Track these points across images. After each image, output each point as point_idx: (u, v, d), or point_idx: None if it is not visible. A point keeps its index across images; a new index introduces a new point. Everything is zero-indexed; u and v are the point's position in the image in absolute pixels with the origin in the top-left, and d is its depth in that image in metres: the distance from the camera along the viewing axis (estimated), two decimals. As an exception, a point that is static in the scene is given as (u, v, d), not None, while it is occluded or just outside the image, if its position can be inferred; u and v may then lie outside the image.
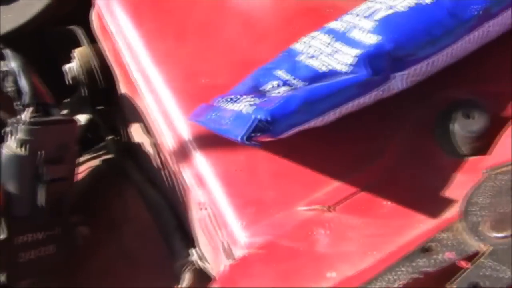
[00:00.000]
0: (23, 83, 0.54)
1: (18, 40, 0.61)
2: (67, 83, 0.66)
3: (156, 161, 0.61)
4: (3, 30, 0.68)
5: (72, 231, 0.57)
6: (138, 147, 0.66)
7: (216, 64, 0.52)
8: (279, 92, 0.44)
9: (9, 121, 0.52)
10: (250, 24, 0.54)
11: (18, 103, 0.55)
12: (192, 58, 0.52)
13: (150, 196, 0.63)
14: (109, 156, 0.71)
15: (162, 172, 0.59)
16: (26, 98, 0.53)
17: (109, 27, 0.56)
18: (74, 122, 0.53)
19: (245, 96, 0.45)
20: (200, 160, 0.48)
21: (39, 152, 0.51)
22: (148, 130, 0.60)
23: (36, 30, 0.69)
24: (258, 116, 0.39)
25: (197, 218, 0.48)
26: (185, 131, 0.49)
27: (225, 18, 0.55)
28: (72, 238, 0.58)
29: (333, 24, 0.48)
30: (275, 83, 0.46)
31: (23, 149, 0.51)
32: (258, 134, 0.39)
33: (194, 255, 0.56)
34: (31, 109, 0.52)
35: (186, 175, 0.48)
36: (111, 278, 0.60)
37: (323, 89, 0.42)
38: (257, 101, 0.42)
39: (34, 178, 0.51)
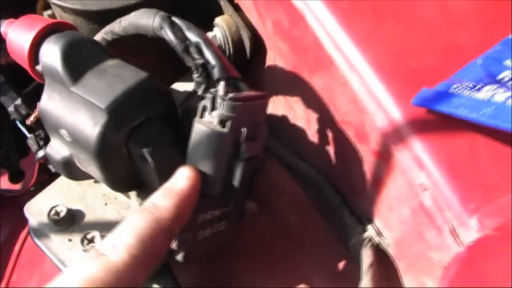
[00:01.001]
0: (209, 56, 0.52)
1: (158, 7, 0.58)
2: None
3: (308, 135, 0.62)
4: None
5: (242, 207, 0.57)
6: (277, 119, 0.65)
7: (422, 47, 0.52)
8: (512, 83, 0.46)
9: (207, 95, 0.50)
10: (445, 8, 0.55)
11: (198, 75, 0.53)
12: (396, 40, 0.52)
13: (303, 170, 0.63)
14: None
15: (326, 147, 0.59)
16: (215, 72, 0.51)
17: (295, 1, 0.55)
18: (266, 97, 0.52)
19: (484, 85, 0.46)
20: (421, 143, 0.48)
21: (242, 129, 0.49)
22: (307, 104, 0.60)
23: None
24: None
25: (418, 200, 0.49)
26: (399, 113, 0.50)
27: (419, 0, 0.55)
28: (241, 214, 0.57)
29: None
30: (508, 73, 0.47)
31: (225, 126, 0.49)
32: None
33: (370, 230, 0.57)
34: (223, 83, 0.50)
35: (403, 156, 0.49)
36: (269, 252, 0.60)
37: None
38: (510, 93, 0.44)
39: (232, 156, 0.50)
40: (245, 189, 0.53)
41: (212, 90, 0.51)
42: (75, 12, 0.65)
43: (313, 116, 0.60)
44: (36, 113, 0.65)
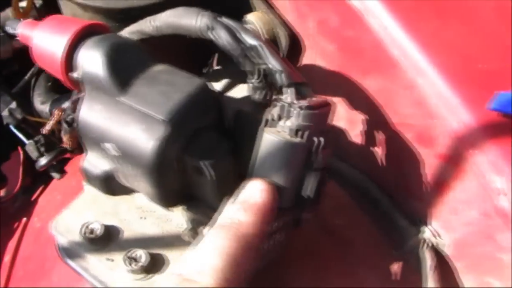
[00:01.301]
0: (272, 60, 0.49)
1: (186, 4, 0.54)
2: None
3: (350, 136, 0.60)
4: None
5: (299, 216, 0.55)
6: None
7: (485, 49, 0.52)
8: None
9: (279, 103, 0.47)
10: (502, 8, 0.54)
11: (258, 80, 0.50)
12: (460, 41, 0.52)
13: (344, 171, 0.61)
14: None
15: (373, 148, 0.58)
16: (282, 78, 0.48)
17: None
18: (330, 104, 0.50)
19: None
20: (499, 148, 0.48)
21: (315, 139, 0.47)
22: (353, 105, 0.58)
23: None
24: None
25: (492, 203, 0.49)
26: (472, 118, 0.49)
27: (476, 1, 0.54)
28: (296, 223, 0.55)
29: None
30: None
31: (297, 135, 0.46)
32: None
33: (427, 232, 0.57)
34: (293, 90, 0.48)
35: (478, 161, 0.49)
36: (319, 257, 0.59)
37: None
38: None
39: (306, 167, 0.48)
40: (315, 199, 0.51)
41: (280, 97, 0.48)
42: (95, 10, 0.58)
43: (359, 117, 0.58)
44: (53, 121, 0.59)
